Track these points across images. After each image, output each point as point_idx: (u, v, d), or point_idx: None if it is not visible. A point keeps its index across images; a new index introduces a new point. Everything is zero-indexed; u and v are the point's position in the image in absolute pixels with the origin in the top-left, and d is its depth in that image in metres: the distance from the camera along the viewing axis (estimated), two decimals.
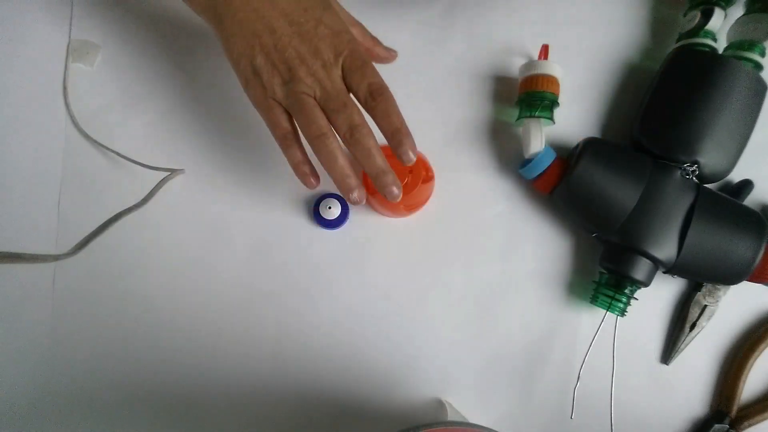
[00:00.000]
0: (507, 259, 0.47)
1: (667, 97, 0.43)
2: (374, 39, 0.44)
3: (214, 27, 0.38)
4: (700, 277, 0.45)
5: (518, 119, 0.46)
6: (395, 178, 0.37)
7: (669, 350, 0.47)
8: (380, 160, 0.37)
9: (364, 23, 0.43)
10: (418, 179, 0.43)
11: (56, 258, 0.41)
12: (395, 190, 0.37)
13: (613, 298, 0.43)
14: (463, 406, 0.46)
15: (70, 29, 0.47)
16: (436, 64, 0.48)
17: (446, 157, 0.47)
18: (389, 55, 0.45)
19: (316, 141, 0.37)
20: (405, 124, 0.37)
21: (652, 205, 0.42)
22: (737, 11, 0.44)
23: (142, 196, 0.44)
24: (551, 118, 0.45)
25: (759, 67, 0.43)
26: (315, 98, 0.37)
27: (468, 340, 0.47)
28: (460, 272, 0.47)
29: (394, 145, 0.37)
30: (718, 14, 0.43)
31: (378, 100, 0.36)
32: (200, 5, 0.38)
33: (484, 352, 0.47)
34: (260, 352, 0.46)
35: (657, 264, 0.43)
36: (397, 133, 0.36)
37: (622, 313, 0.44)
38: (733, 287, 0.46)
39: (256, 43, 0.36)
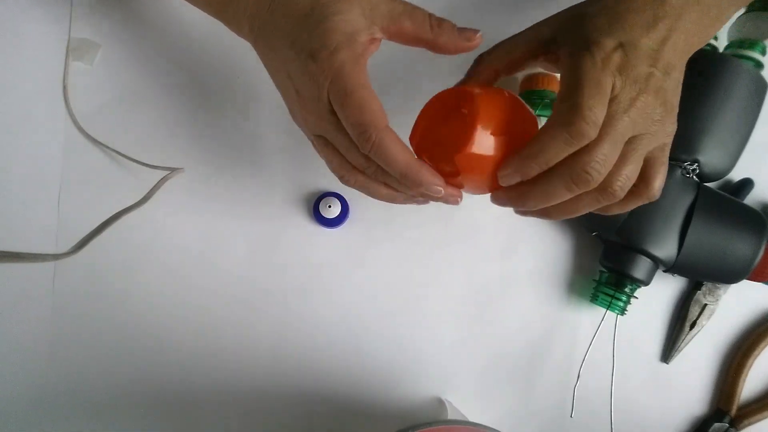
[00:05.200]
0: (507, 257, 0.47)
1: None
2: (436, 24, 0.32)
3: None
4: (700, 275, 0.45)
5: None
6: (428, 183, 0.31)
7: (669, 349, 0.47)
8: (399, 188, 0.33)
9: None
10: (467, 138, 0.30)
11: (56, 257, 0.41)
12: (436, 191, 0.31)
13: (613, 296, 0.43)
14: (463, 404, 0.46)
15: (70, 28, 0.47)
16: (436, 64, 0.48)
17: None
18: (460, 43, 0.33)
19: (342, 181, 0.34)
20: (410, 166, 0.31)
21: (652, 203, 0.42)
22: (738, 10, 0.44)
23: (142, 195, 0.44)
24: None
25: (759, 65, 0.43)
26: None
27: (468, 339, 0.47)
28: (460, 270, 0.47)
29: (406, 190, 0.33)
30: None
31: (366, 147, 0.30)
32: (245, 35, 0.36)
33: (484, 350, 0.47)
34: (260, 350, 0.46)
35: (657, 263, 0.43)
36: (404, 179, 0.31)
37: (623, 311, 0.44)
38: (733, 286, 0.46)
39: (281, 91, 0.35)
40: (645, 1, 0.30)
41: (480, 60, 0.36)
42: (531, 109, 0.34)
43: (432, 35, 0.32)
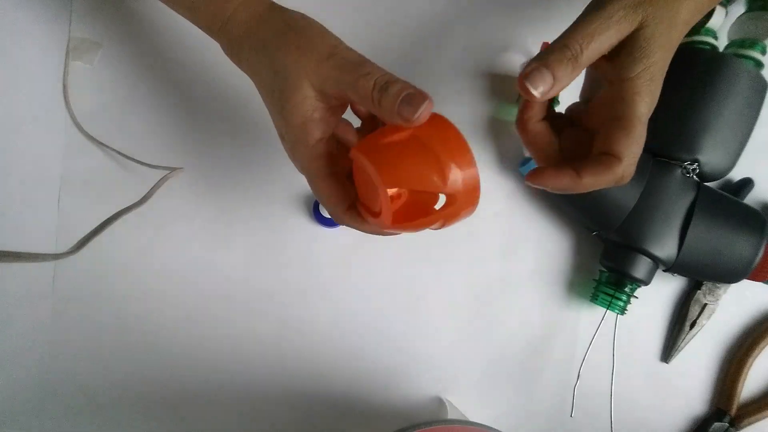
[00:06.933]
0: (507, 257, 0.47)
1: (667, 95, 0.43)
2: (377, 101, 0.29)
3: None
4: (700, 275, 0.45)
5: None
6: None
7: (669, 348, 0.47)
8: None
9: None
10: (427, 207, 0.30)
11: (56, 257, 0.41)
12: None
13: (613, 296, 0.43)
14: (463, 404, 0.46)
15: (70, 27, 0.47)
16: (436, 62, 0.48)
17: None
18: (398, 121, 0.28)
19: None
20: (375, 230, 0.33)
21: (652, 203, 0.42)
22: (738, 9, 0.44)
23: (142, 195, 0.44)
24: None
25: (760, 65, 0.43)
26: None
27: (468, 339, 0.47)
28: (460, 270, 0.47)
29: None
30: (719, 12, 0.43)
31: (337, 222, 0.34)
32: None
33: (484, 350, 0.47)
34: (261, 350, 0.46)
35: (657, 262, 0.43)
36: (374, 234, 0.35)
37: (623, 311, 0.44)
38: (733, 286, 0.46)
39: None
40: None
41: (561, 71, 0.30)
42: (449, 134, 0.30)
43: (373, 110, 0.29)
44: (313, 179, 0.33)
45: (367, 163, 0.29)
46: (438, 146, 0.28)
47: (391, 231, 0.32)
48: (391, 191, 0.28)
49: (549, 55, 0.29)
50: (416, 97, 0.28)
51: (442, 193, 0.29)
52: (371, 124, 0.35)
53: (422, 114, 0.28)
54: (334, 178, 0.32)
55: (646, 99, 0.30)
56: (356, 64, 0.30)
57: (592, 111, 0.34)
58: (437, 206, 0.30)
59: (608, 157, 0.31)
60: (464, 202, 0.29)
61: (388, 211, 0.29)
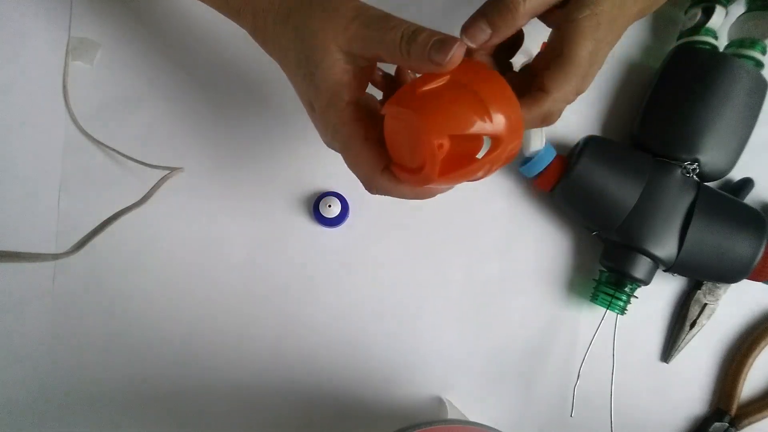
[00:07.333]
0: (507, 257, 0.47)
1: (667, 95, 0.43)
2: (406, 51, 0.28)
3: None
4: (701, 275, 0.45)
5: None
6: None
7: (669, 348, 0.47)
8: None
9: None
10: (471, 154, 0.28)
11: (56, 257, 0.41)
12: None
13: (613, 296, 0.44)
14: (463, 404, 0.46)
15: (70, 27, 0.47)
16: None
17: None
18: (430, 68, 0.28)
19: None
20: (416, 192, 0.32)
21: (652, 203, 0.42)
22: (738, 9, 0.44)
23: (142, 195, 0.44)
24: None
25: (760, 65, 0.43)
26: None
27: (468, 338, 0.47)
28: (460, 270, 0.47)
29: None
30: (719, 12, 0.43)
31: (371, 192, 0.33)
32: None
33: (484, 350, 0.47)
34: (261, 350, 0.46)
35: (657, 262, 0.43)
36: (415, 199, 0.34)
37: (622, 311, 0.44)
38: (733, 285, 0.46)
39: None
40: None
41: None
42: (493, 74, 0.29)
43: (403, 62, 0.29)
44: (345, 144, 0.32)
45: (408, 112, 0.27)
46: (478, 87, 0.27)
47: (431, 187, 0.30)
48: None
49: (489, 7, 0.30)
50: (446, 41, 0.27)
51: (488, 135, 0.27)
52: (391, 92, 0.35)
53: (454, 56, 0.27)
54: (367, 141, 0.31)
55: (587, 43, 0.30)
56: (382, 19, 0.30)
57: (538, 57, 0.34)
58: (479, 155, 0.29)
59: (538, 92, 0.31)
60: (510, 143, 0.28)
61: (434, 163, 0.27)
